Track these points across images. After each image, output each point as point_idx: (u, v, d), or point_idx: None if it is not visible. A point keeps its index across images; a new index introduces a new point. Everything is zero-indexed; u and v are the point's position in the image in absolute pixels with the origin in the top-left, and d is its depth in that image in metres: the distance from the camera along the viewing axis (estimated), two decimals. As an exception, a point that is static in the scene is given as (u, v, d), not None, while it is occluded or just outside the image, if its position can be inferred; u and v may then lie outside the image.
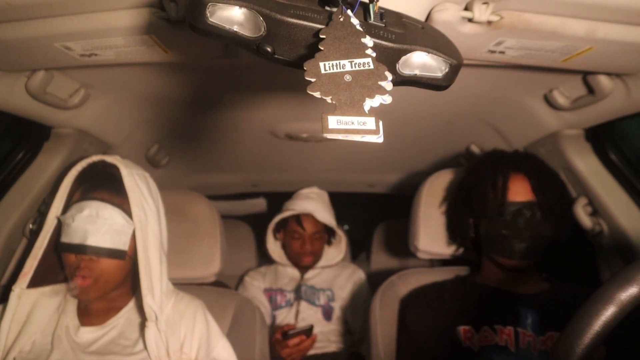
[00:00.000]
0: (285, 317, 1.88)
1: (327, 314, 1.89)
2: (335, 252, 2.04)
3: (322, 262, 2.01)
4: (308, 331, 1.57)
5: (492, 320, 1.11)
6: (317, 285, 1.95)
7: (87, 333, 1.04)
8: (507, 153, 1.25)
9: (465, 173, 1.28)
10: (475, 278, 1.26)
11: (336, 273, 2.02)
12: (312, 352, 1.72)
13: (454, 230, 1.29)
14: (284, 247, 2.02)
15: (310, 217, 1.92)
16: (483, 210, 1.16)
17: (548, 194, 1.13)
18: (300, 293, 1.92)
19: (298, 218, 1.93)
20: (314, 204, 1.94)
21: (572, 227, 1.23)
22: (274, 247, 2.03)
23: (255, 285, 1.97)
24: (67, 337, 1.03)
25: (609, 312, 0.50)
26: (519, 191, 1.13)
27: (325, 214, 1.94)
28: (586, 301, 0.51)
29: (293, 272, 2.00)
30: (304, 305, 1.89)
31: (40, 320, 1.03)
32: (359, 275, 2.04)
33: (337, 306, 1.92)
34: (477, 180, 1.21)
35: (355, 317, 1.90)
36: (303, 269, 2.00)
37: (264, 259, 2.44)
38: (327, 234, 2.03)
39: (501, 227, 1.11)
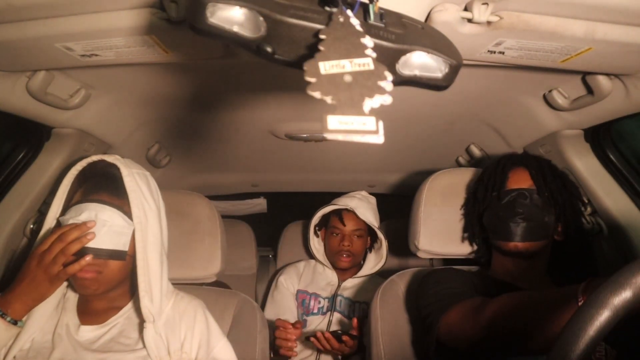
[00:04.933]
0: (317, 324, 1.82)
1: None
2: (376, 259, 1.95)
3: (363, 271, 1.93)
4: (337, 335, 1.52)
5: None
6: (354, 297, 1.87)
7: (88, 331, 1.05)
8: (514, 153, 1.29)
9: (475, 181, 1.34)
10: (486, 272, 1.28)
11: (376, 284, 1.87)
12: None
13: (466, 227, 1.33)
14: (325, 246, 1.96)
15: (351, 214, 1.86)
16: (485, 201, 1.23)
17: (548, 182, 1.17)
18: (335, 304, 1.85)
19: (339, 213, 1.89)
20: (357, 202, 1.89)
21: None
22: (318, 246, 1.97)
23: (288, 288, 1.91)
24: (68, 336, 1.03)
25: (603, 317, 0.49)
26: (518, 180, 1.19)
27: (367, 213, 1.87)
28: (580, 306, 0.52)
29: (332, 275, 1.92)
30: (337, 316, 1.82)
31: (39, 318, 1.03)
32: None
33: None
34: (482, 177, 1.28)
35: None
36: (342, 272, 1.92)
37: (263, 258, 2.44)
38: (369, 238, 1.96)
39: (498, 210, 1.18)
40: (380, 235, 1.89)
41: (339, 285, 1.91)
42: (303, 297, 1.89)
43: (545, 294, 0.85)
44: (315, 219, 1.95)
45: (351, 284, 1.92)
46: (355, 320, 1.57)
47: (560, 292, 0.79)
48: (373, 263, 1.95)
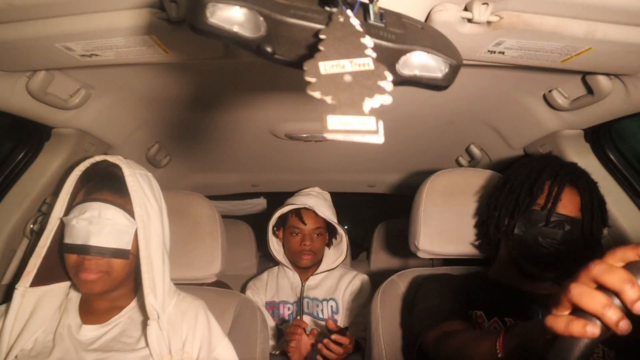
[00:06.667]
0: None
1: None
2: (336, 254, 1.98)
3: (323, 266, 1.94)
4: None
5: (503, 313, 1.11)
6: (320, 296, 1.88)
7: (89, 331, 1.05)
8: (566, 163, 1.22)
9: (516, 168, 1.24)
10: (487, 273, 1.27)
11: (338, 279, 1.95)
12: None
13: (486, 221, 1.26)
14: (284, 247, 1.96)
15: (310, 212, 1.87)
16: (526, 211, 1.14)
17: (593, 215, 1.13)
18: (302, 306, 1.85)
19: (298, 213, 1.89)
20: (314, 200, 1.90)
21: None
22: (277, 247, 1.98)
23: (257, 302, 1.86)
24: (69, 335, 1.03)
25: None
26: (568, 204, 1.13)
27: (326, 210, 1.89)
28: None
29: (294, 277, 1.93)
30: (307, 319, 1.81)
31: (43, 318, 1.03)
32: (362, 281, 1.94)
33: (339, 319, 1.86)
34: (529, 179, 1.17)
35: (356, 327, 1.79)
36: (303, 271, 1.93)
37: (263, 258, 2.45)
38: (327, 235, 1.97)
39: (539, 234, 1.11)
40: (340, 230, 1.92)
41: (302, 287, 1.91)
42: (272, 307, 1.90)
43: (478, 339, 0.86)
44: (273, 220, 1.94)
45: (314, 282, 1.93)
46: (330, 322, 1.53)
47: (485, 341, 0.81)
48: (332, 259, 1.97)
